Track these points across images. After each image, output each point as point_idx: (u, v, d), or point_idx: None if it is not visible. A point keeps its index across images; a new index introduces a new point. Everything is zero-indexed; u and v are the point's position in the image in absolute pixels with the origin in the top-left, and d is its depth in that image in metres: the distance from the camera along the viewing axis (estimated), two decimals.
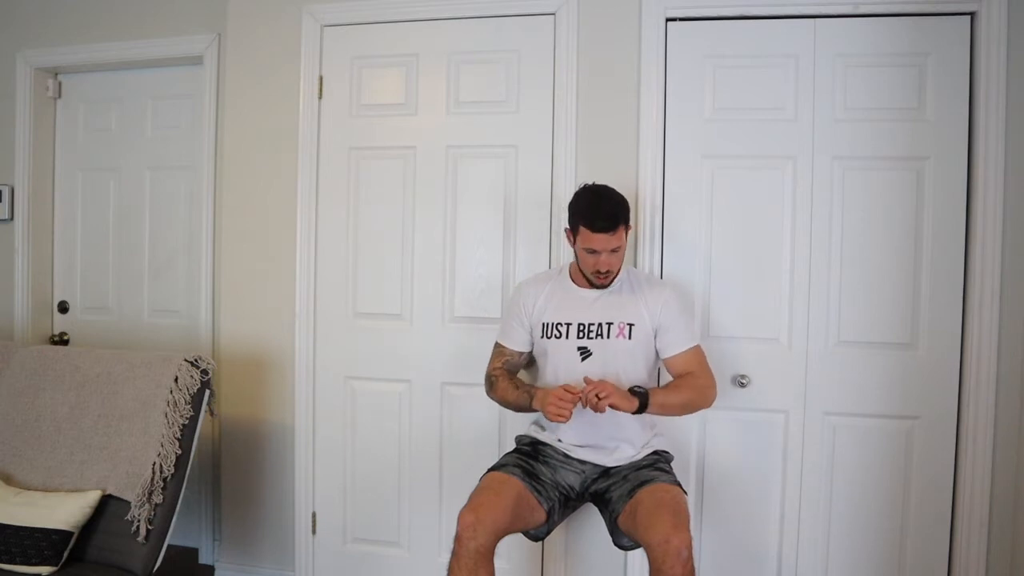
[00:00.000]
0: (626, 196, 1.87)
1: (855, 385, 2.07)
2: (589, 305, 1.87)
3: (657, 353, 1.88)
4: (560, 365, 1.86)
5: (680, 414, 1.88)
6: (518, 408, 1.87)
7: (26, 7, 2.76)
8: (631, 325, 1.83)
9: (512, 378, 1.93)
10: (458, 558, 1.61)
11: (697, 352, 1.87)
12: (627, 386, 1.79)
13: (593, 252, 1.79)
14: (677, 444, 2.05)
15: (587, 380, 1.73)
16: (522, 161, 2.22)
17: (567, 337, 1.85)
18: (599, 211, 1.76)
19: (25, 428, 1.98)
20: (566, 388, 1.70)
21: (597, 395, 1.65)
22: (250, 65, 2.40)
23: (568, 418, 1.68)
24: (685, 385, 1.82)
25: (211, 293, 2.58)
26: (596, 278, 1.84)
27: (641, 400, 1.71)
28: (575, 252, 1.87)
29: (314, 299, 2.35)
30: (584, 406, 1.69)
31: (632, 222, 1.94)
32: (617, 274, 1.86)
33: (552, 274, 1.99)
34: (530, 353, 1.97)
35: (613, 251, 1.79)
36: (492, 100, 2.24)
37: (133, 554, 1.81)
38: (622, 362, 1.83)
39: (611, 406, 1.66)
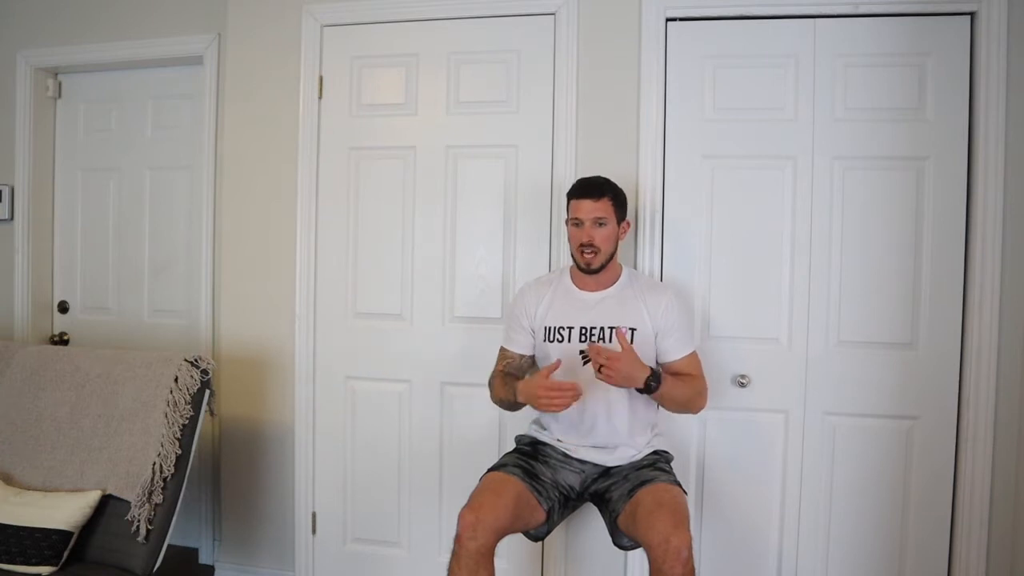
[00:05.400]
0: (626, 195, 1.89)
1: (855, 385, 2.07)
2: (591, 308, 1.87)
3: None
4: (563, 369, 1.85)
5: (673, 410, 1.87)
6: (510, 405, 1.86)
7: (26, 7, 2.76)
8: (633, 330, 1.83)
9: (505, 377, 1.91)
10: (458, 558, 1.61)
11: (694, 358, 1.88)
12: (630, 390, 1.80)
13: (578, 224, 1.82)
14: (677, 444, 2.05)
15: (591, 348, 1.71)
16: (522, 161, 2.21)
17: (569, 341, 1.85)
18: (585, 180, 1.88)
19: (25, 428, 1.98)
20: (551, 384, 1.66)
21: (602, 366, 1.65)
22: (250, 65, 2.40)
23: (563, 407, 1.66)
24: (688, 384, 1.83)
25: (211, 293, 2.58)
26: (581, 256, 1.82)
27: (651, 384, 1.69)
28: (569, 238, 1.89)
29: (314, 299, 2.35)
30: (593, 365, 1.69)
31: (631, 221, 1.95)
32: (608, 260, 1.84)
33: (553, 277, 1.98)
34: (533, 356, 1.96)
35: (599, 224, 1.81)
36: (492, 100, 2.24)
37: (133, 554, 1.81)
38: None
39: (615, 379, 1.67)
